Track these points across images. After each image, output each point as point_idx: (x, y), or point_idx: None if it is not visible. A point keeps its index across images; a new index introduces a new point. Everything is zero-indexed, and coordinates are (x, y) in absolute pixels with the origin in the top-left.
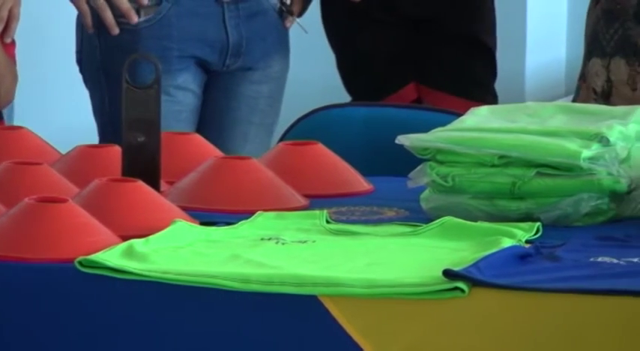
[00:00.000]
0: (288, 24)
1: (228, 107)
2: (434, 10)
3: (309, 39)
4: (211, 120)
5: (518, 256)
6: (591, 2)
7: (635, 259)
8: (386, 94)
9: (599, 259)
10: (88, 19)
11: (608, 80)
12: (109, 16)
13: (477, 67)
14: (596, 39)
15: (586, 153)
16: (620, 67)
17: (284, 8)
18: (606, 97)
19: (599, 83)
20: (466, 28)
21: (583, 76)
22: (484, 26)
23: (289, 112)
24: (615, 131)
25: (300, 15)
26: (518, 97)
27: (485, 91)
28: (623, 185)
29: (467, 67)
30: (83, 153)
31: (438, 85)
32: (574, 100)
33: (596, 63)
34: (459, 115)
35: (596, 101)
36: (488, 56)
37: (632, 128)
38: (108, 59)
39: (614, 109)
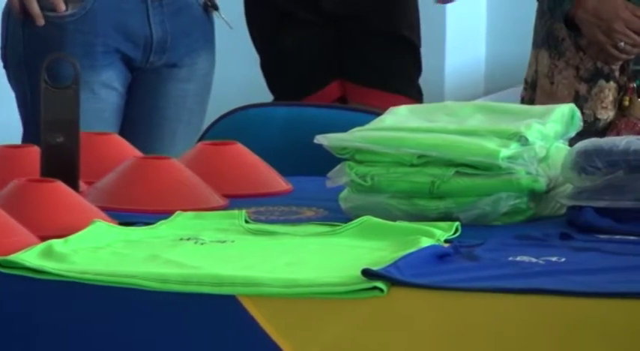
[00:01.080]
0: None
1: (155, 107)
2: (356, 7)
3: (230, 37)
4: (139, 120)
5: (437, 256)
6: None
7: (554, 258)
8: (309, 92)
9: (518, 259)
10: (16, 5)
11: (536, 71)
12: (34, 6)
13: (402, 62)
14: (535, 31)
15: (505, 152)
16: (544, 59)
17: (209, 3)
18: (534, 87)
19: (529, 73)
20: (390, 25)
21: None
22: (407, 22)
23: (210, 112)
24: (534, 130)
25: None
26: (438, 97)
27: (411, 86)
28: (541, 184)
29: (392, 62)
30: (2, 153)
31: (364, 81)
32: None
33: (532, 54)
34: (379, 114)
35: (526, 91)
36: (413, 52)
37: (550, 127)
38: (32, 53)
39: (532, 109)
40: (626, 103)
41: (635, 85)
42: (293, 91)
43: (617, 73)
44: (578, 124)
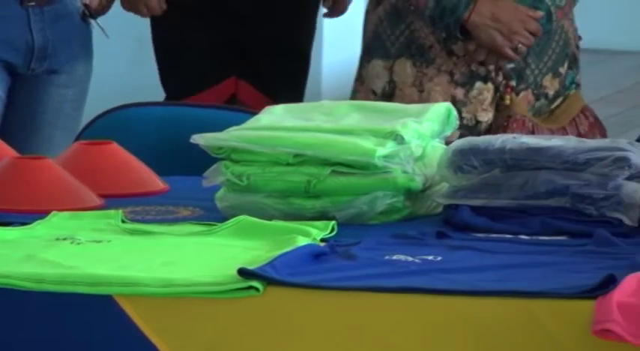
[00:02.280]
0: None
1: (35, 111)
2: (257, 8)
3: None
4: (18, 124)
5: (314, 255)
6: (370, 5)
7: (430, 257)
8: (202, 88)
9: (394, 257)
10: None
11: (391, 81)
12: None
13: (293, 73)
14: (378, 40)
15: (381, 151)
16: (406, 69)
17: (87, 12)
18: (387, 98)
19: (379, 85)
20: (286, 32)
21: (360, 78)
22: (306, 34)
23: (86, 111)
24: (410, 129)
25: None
26: (315, 95)
27: (295, 97)
28: (417, 183)
29: (281, 70)
30: None
31: (254, 84)
32: None
33: (378, 64)
34: (255, 114)
35: None
36: (305, 64)
37: (426, 126)
38: None
39: (409, 108)
40: (508, 102)
41: (513, 83)
42: (186, 85)
43: (493, 74)
44: (455, 123)
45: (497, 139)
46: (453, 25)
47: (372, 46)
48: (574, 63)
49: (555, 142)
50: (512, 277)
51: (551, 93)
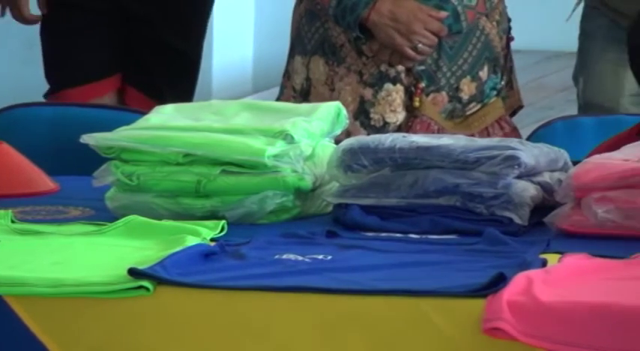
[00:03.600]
0: None
1: None
2: (150, 9)
3: None
4: None
5: (204, 255)
6: (296, 1)
7: (320, 256)
8: (88, 80)
9: (284, 257)
10: None
11: (308, 79)
12: None
13: (181, 78)
14: (298, 37)
15: (270, 151)
16: (319, 66)
17: None
18: (305, 95)
19: (298, 81)
20: (176, 38)
21: (287, 74)
22: (195, 39)
23: None
24: (299, 129)
25: None
26: (206, 95)
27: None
28: (307, 182)
29: (169, 75)
30: None
31: (138, 84)
32: (278, 99)
33: (298, 61)
34: (145, 113)
35: (295, 99)
36: (192, 70)
37: (316, 125)
38: None
39: (299, 107)
40: (417, 103)
41: (423, 85)
42: (71, 76)
43: (402, 76)
44: (344, 122)
45: (387, 138)
46: (353, 23)
47: (295, 43)
48: (498, 67)
49: (445, 140)
50: (403, 276)
51: (466, 97)
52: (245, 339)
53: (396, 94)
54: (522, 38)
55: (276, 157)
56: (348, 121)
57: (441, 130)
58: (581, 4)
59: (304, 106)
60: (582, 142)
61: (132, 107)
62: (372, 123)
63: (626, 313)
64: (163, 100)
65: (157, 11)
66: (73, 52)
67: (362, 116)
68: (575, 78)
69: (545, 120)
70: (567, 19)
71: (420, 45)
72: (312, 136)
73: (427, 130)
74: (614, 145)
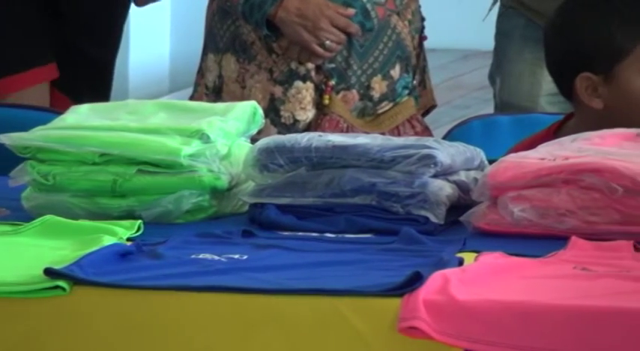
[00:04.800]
0: None
1: None
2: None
3: None
4: None
5: (120, 254)
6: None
7: (236, 256)
8: (24, 67)
9: (201, 256)
10: None
11: (220, 76)
12: None
13: (94, 81)
14: (211, 34)
15: (186, 150)
16: (230, 64)
17: None
18: (217, 93)
19: (210, 79)
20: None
21: (201, 71)
22: (112, 46)
23: None
24: (216, 128)
25: None
26: (122, 94)
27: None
28: (223, 182)
29: (82, 78)
30: None
31: (57, 83)
32: (191, 97)
33: (211, 58)
34: (61, 113)
35: (208, 97)
36: (106, 77)
37: (232, 125)
38: None
39: (215, 106)
40: (327, 101)
41: (333, 83)
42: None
43: (312, 73)
44: (260, 122)
45: (303, 138)
46: (260, 20)
47: (208, 41)
48: (410, 66)
49: (361, 140)
50: (319, 275)
51: (377, 96)
52: (161, 339)
53: (305, 91)
54: (438, 37)
55: (192, 156)
56: (263, 121)
57: (350, 128)
58: (498, 4)
59: (220, 106)
60: (498, 140)
61: (49, 107)
62: (283, 120)
63: (541, 311)
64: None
65: (73, 14)
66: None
67: (272, 114)
68: (492, 77)
69: (461, 119)
70: (484, 19)
71: (327, 42)
72: (228, 136)
73: (336, 128)
74: (530, 145)
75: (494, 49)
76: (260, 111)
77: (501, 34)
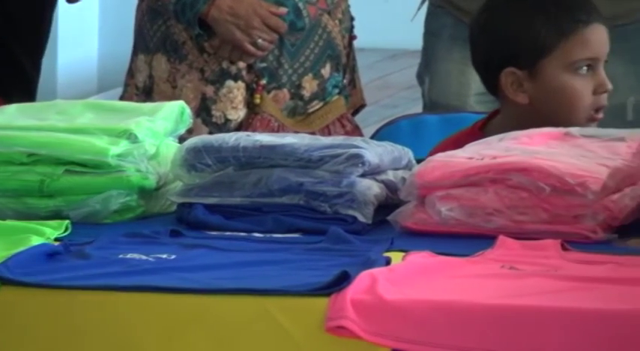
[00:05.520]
0: None
1: None
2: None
3: None
4: None
5: (47, 254)
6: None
7: (164, 256)
8: None
9: (128, 256)
10: None
11: (150, 76)
12: None
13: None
14: (141, 34)
15: (114, 150)
16: (161, 64)
17: None
18: (148, 93)
19: (141, 79)
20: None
21: (130, 71)
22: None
23: None
24: (143, 128)
25: None
26: (50, 94)
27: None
28: (151, 182)
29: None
30: None
31: None
32: (121, 97)
33: (140, 59)
34: None
35: (138, 97)
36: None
37: (160, 125)
38: None
39: (143, 106)
40: (258, 100)
41: (264, 82)
42: None
43: (244, 73)
44: (188, 121)
45: (231, 137)
46: (193, 19)
47: (137, 41)
48: (340, 65)
49: (289, 139)
50: (247, 275)
51: (307, 95)
52: (89, 339)
53: (237, 91)
54: (366, 37)
55: (119, 156)
56: (191, 120)
57: (281, 128)
58: (426, 3)
59: (148, 106)
60: (426, 140)
61: None
62: (214, 120)
63: (469, 310)
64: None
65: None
66: None
67: (204, 113)
68: (420, 77)
69: (389, 118)
70: (412, 19)
71: (259, 41)
72: (155, 136)
73: (267, 127)
74: (457, 142)
75: (423, 48)
76: (188, 110)
77: (430, 34)
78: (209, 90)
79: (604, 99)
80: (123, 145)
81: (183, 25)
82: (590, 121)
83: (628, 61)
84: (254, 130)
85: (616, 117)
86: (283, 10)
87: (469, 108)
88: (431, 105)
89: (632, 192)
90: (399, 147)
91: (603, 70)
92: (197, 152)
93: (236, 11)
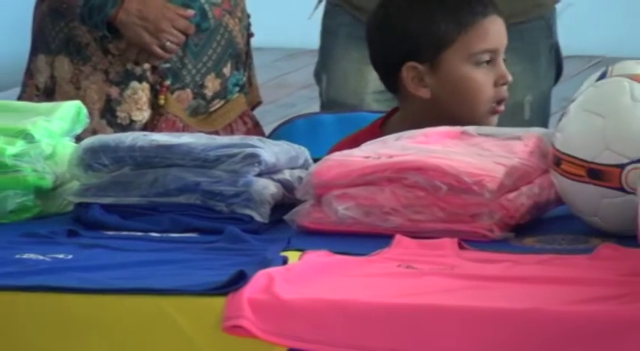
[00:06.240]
0: None
1: None
2: None
3: None
4: None
5: None
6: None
7: (61, 256)
8: None
9: (25, 256)
10: None
11: (52, 77)
12: None
13: None
14: (41, 35)
15: (11, 150)
16: (64, 65)
17: None
18: (49, 94)
19: (42, 80)
20: None
21: (29, 72)
22: None
23: None
24: (40, 128)
25: None
26: None
27: None
28: (48, 182)
29: None
30: None
31: None
32: (19, 97)
33: (41, 59)
34: None
35: (39, 98)
36: None
37: (56, 124)
38: None
39: (39, 106)
40: (162, 101)
41: (168, 83)
42: None
43: (148, 74)
44: (85, 121)
45: (128, 137)
46: (101, 23)
47: (38, 42)
48: (241, 64)
49: (186, 139)
50: (144, 275)
51: (210, 94)
52: None
53: (141, 92)
54: (264, 36)
55: (16, 156)
56: (88, 120)
57: (186, 128)
58: (323, 2)
59: (44, 106)
60: (323, 139)
61: None
62: (119, 121)
63: (365, 309)
64: None
65: None
66: None
67: (108, 115)
68: (318, 76)
69: (287, 117)
70: (309, 17)
71: (168, 43)
72: (52, 136)
73: (172, 127)
74: (356, 140)
75: (320, 47)
76: (85, 110)
77: (327, 33)
78: (113, 91)
79: (505, 91)
80: (19, 145)
81: (89, 28)
82: (491, 113)
83: (524, 59)
84: (159, 131)
85: (514, 115)
86: (190, 12)
87: (366, 106)
88: (328, 104)
89: (528, 191)
90: (296, 146)
91: (502, 62)
92: (94, 152)
93: (144, 15)
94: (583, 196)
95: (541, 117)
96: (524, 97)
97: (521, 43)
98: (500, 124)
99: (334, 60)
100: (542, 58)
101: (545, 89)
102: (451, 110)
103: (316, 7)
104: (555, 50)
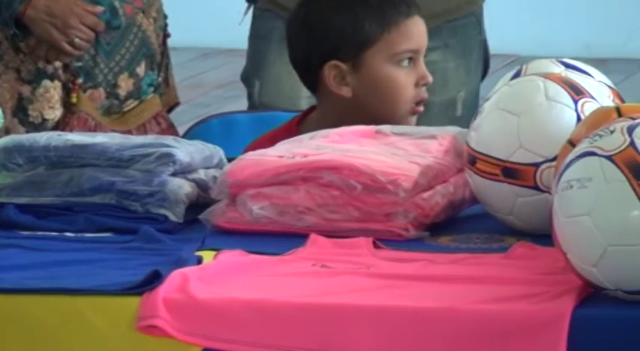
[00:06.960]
0: None
1: None
2: None
3: None
4: None
5: None
6: None
7: None
8: None
9: None
10: None
11: None
12: None
13: None
14: None
15: None
16: None
17: None
18: None
19: None
20: None
21: None
22: None
23: None
24: None
25: None
26: None
27: None
28: None
29: None
30: None
31: None
32: None
33: None
34: None
35: None
36: None
37: None
38: None
39: None
40: (74, 100)
41: (80, 81)
42: None
43: (60, 72)
44: (1, 121)
45: (42, 137)
46: (9, 19)
47: None
48: (156, 64)
49: (100, 138)
50: (59, 275)
51: (123, 93)
52: None
53: (54, 90)
54: (179, 35)
55: None
56: (3, 120)
57: (98, 126)
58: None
59: None
60: (237, 138)
61: None
62: (31, 120)
63: (279, 308)
64: None
65: None
66: None
67: (20, 113)
68: (248, 80)
69: (202, 117)
70: (240, 23)
71: (76, 40)
72: None
73: (84, 126)
74: (273, 139)
75: (250, 52)
76: (0, 110)
77: (258, 38)
78: (25, 90)
79: (424, 92)
80: None
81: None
82: (411, 114)
83: (458, 55)
84: (71, 130)
85: (446, 112)
86: (99, 8)
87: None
88: (261, 108)
89: (443, 190)
90: (210, 146)
91: (423, 63)
92: (8, 152)
93: (52, 10)
94: (498, 194)
95: (472, 113)
96: (457, 93)
97: (455, 40)
98: (432, 121)
99: (267, 64)
100: (474, 54)
101: (476, 85)
102: (372, 110)
103: (246, 13)
104: (484, 46)
